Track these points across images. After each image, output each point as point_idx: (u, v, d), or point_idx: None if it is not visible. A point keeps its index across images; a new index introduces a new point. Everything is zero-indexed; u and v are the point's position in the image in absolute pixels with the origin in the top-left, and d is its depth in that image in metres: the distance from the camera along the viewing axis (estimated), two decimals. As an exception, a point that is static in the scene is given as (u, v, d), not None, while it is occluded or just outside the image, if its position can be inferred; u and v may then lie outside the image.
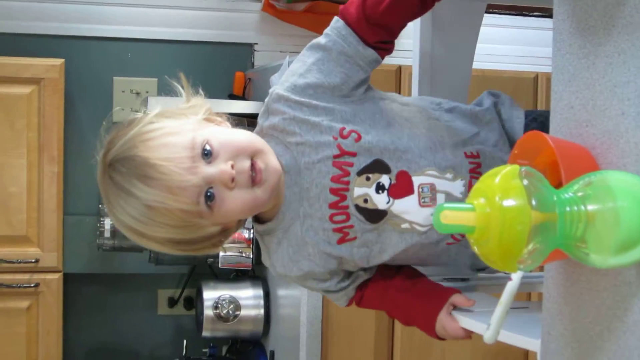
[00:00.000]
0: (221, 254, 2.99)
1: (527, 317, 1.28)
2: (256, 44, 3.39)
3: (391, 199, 1.35)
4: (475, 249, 0.80)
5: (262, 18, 3.38)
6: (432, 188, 1.36)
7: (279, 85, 1.36)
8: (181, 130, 1.25)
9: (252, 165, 1.27)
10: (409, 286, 1.46)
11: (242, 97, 3.24)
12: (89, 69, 3.26)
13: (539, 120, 1.51)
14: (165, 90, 3.24)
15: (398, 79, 2.86)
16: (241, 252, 2.99)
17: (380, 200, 1.35)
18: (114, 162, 1.25)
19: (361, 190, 1.34)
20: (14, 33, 3.18)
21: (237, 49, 3.40)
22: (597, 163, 0.90)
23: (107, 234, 3.00)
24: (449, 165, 1.38)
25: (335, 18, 1.37)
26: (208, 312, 2.98)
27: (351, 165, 1.33)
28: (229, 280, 3.17)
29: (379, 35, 1.35)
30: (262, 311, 3.00)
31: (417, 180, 1.36)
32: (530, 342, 1.17)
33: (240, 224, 1.38)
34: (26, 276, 2.92)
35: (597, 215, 0.78)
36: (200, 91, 1.36)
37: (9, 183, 2.88)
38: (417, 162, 1.36)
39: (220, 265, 3.00)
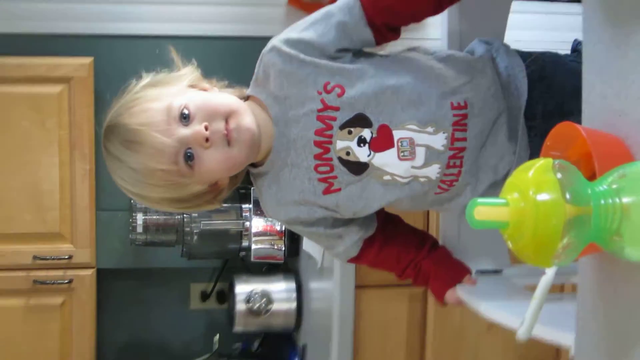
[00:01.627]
0: (253, 246, 3.00)
1: (561, 310, 1.27)
2: (283, 37, 3.39)
3: (372, 152, 1.41)
4: (509, 244, 0.80)
5: (288, 12, 3.37)
6: (411, 142, 1.41)
7: (277, 37, 1.43)
8: (161, 97, 1.36)
9: (226, 127, 1.35)
10: (431, 255, 1.58)
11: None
12: (118, 66, 3.27)
13: (538, 63, 1.53)
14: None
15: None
16: (273, 244, 2.99)
17: (362, 153, 1.41)
18: (106, 131, 1.38)
19: (343, 144, 1.40)
20: (43, 33, 3.19)
21: (264, 43, 3.36)
22: (631, 153, 0.88)
23: (139, 229, 3.01)
24: (430, 119, 1.41)
25: None
26: (240, 306, 2.98)
27: (334, 119, 1.39)
28: (261, 273, 3.17)
29: (386, 19, 1.39)
30: (294, 305, 3.00)
31: (397, 134, 1.41)
32: (564, 337, 1.16)
33: (233, 182, 1.46)
34: (60, 272, 2.93)
35: (632, 207, 0.77)
36: (193, 61, 1.46)
37: (41, 181, 2.90)
38: (399, 116, 1.40)
39: (252, 259, 3.01)
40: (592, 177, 0.88)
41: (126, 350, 3.37)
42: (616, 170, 0.80)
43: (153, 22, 3.31)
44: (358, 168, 1.42)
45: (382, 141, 1.40)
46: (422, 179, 1.43)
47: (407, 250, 1.56)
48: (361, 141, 1.40)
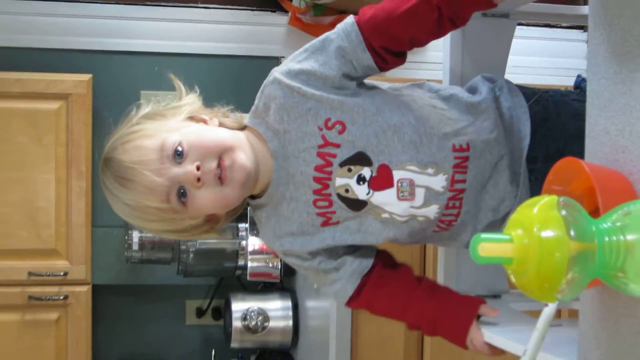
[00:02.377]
0: (249, 264, 3.00)
1: (561, 336, 1.28)
2: (283, 57, 3.39)
3: (371, 191, 1.40)
4: (513, 279, 0.80)
5: (289, 31, 3.38)
6: (411, 183, 1.40)
7: (278, 68, 1.41)
8: (156, 133, 1.34)
9: (219, 164, 1.34)
10: (434, 295, 1.47)
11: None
12: (116, 83, 3.28)
13: (541, 103, 1.52)
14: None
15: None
16: (268, 263, 3.00)
17: (361, 191, 1.40)
18: (103, 163, 1.38)
19: (343, 181, 1.40)
20: (42, 48, 3.20)
21: (265, 62, 3.39)
22: (634, 190, 0.89)
23: (135, 247, 3.01)
24: (431, 161, 1.40)
25: (350, 16, 1.40)
26: (237, 323, 2.98)
27: (334, 156, 1.38)
28: (257, 291, 3.17)
29: (383, 41, 1.38)
30: (290, 322, 3.00)
31: (397, 175, 1.40)
32: (566, 365, 1.16)
33: (231, 213, 1.45)
34: (55, 289, 2.93)
35: (636, 245, 0.78)
36: (196, 88, 1.44)
37: (38, 198, 2.90)
38: (399, 157, 1.39)
39: (248, 277, 3.01)
40: (594, 211, 0.89)
41: (122, 366, 3.37)
42: (620, 208, 0.80)
43: (153, 39, 3.32)
44: (357, 205, 1.41)
45: (382, 181, 1.39)
46: (420, 218, 1.43)
47: (401, 287, 1.49)
48: (360, 179, 1.39)
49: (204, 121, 1.40)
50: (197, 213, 1.37)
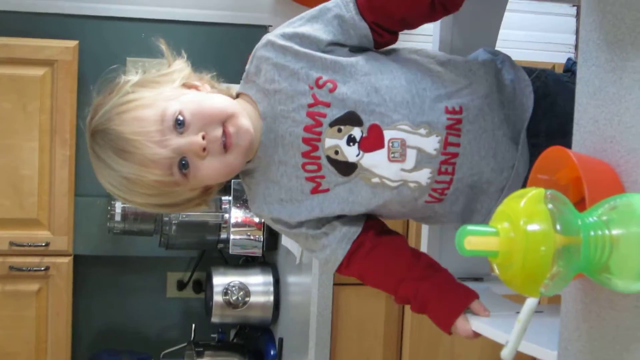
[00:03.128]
0: (231, 237, 2.98)
1: (542, 323, 1.27)
2: (270, 26, 3.37)
3: (361, 152, 1.37)
4: (497, 273, 0.79)
5: (276, 0, 3.35)
6: (403, 143, 1.37)
7: (271, 32, 1.39)
8: (154, 102, 1.31)
9: (224, 131, 1.31)
10: (433, 275, 1.44)
11: (256, 81, 3.22)
12: (103, 49, 3.24)
13: (541, 79, 1.50)
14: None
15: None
16: (249, 235, 2.98)
17: (351, 153, 1.37)
18: (94, 133, 1.32)
19: (332, 142, 1.37)
20: (28, 12, 3.16)
21: (252, 31, 3.37)
22: (620, 181, 0.88)
23: (117, 218, 2.99)
24: (423, 121, 1.37)
25: None
26: (217, 298, 2.97)
27: (324, 115, 1.36)
28: (239, 266, 3.16)
29: (376, 17, 1.37)
30: (271, 298, 3.00)
31: (388, 135, 1.37)
32: (547, 353, 1.16)
33: (221, 184, 1.42)
34: (36, 259, 2.92)
35: (621, 239, 0.77)
36: (183, 54, 1.40)
37: (21, 166, 2.88)
38: (390, 116, 1.36)
39: (230, 252, 3.00)
40: (580, 202, 0.88)
41: (102, 337, 3.36)
42: (607, 202, 0.79)
43: (140, 4, 3.29)
44: (346, 168, 1.38)
45: (372, 141, 1.37)
46: (411, 184, 1.40)
47: (398, 260, 1.45)
48: (350, 140, 1.36)
49: (196, 87, 1.37)
50: (198, 183, 1.35)
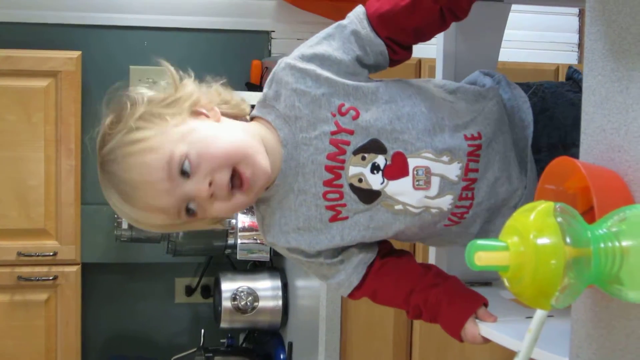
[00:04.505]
0: (239, 242, 2.99)
1: (553, 328, 1.27)
2: (273, 31, 3.37)
3: (385, 180, 1.35)
4: (508, 287, 0.79)
5: (279, 5, 3.36)
6: (427, 171, 1.36)
7: (289, 55, 1.36)
8: (160, 145, 1.25)
9: (237, 174, 1.27)
10: (443, 284, 1.44)
11: (260, 86, 3.23)
12: (106, 58, 3.25)
13: (538, 95, 1.50)
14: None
15: (418, 72, 2.84)
16: (256, 240, 2.99)
17: (375, 181, 1.35)
18: (102, 166, 1.30)
19: (356, 170, 1.34)
20: (31, 23, 3.17)
21: (254, 36, 3.38)
22: (629, 191, 0.88)
23: (124, 225, 3.00)
24: (445, 148, 1.37)
25: (359, 5, 1.37)
26: (226, 303, 2.98)
27: (348, 143, 1.33)
28: (247, 271, 3.16)
29: (389, 32, 1.36)
30: (280, 302, 3.00)
31: (412, 162, 1.36)
32: (557, 360, 1.16)
33: None
34: (44, 269, 2.93)
35: (631, 251, 0.77)
36: (190, 71, 1.35)
37: (27, 177, 2.89)
38: (414, 143, 1.35)
39: (238, 257, 3.00)
40: (588, 211, 0.88)
41: (111, 345, 3.37)
42: (616, 213, 0.79)
43: (142, 13, 3.30)
44: (369, 196, 1.36)
45: (397, 169, 1.35)
46: (433, 210, 1.39)
47: (407, 274, 1.45)
48: (374, 168, 1.34)
49: (207, 115, 1.32)
50: (207, 220, 1.33)
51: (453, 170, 1.38)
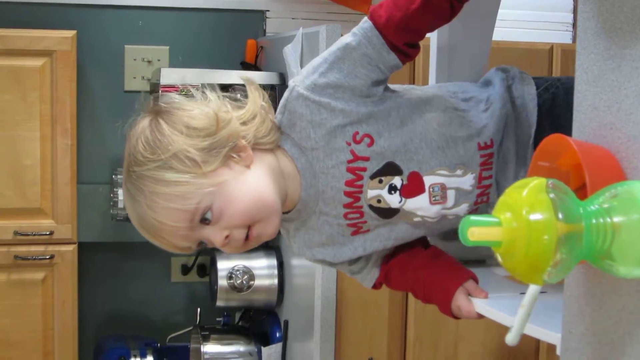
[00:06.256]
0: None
1: (546, 304, 1.28)
2: (268, 10, 3.37)
3: (403, 199, 1.41)
4: (501, 262, 0.80)
5: (273, -15, 3.35)
6: (443, 187, 1.42)
7: (300, 81, 1.37)
8: (188, 194, 1.28)
9: (248, 230, 1.31)
10: (431, 263, 1.50)
11: (255, 65, 3.22)
12: (101, 37, 3.25)
13: (550, 91, 1.53)
14: (176, 59, 3.20)
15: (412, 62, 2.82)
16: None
17: (393, 200, 1.41)
18: (129, 181, 1.32)
19: (374, 192, 1.39)
20: (26, 2, 3.16)
21: (249, 16, 3.37)
22: (621, 168, 0.89)
23: (120, 205, 2.99)
24: (459, 162, 1.42)
25: (364, 19, 1.37)
26: (222, 282, 2.99)
27: (364, 170, 1.37)
28: (243, 249, 3.17)
29: (406, 38, 1.36)
30: (276, 281, 3.01)
31: (428, 180, 1.41)
32: (551, 336, 1.17)
33: None
34: (41, 248, 2.92)
35: (623, 226, 0.78)
36: (217, 90, 1.37)
37: (23, 156, 2.88)
38: (428, 162, 1.40)
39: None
40: (581, 188, 0.89)
41: (108, 323, 3.38)
42: (608, 190, 0.80)
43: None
44: (388, 213, 1.42)
45: (413, 188, 1.40)
46: (450, 217, 1.46)
47: (412, 257, 1.51)
48: (392, 189, 1.39)
49: (240, 160, 1.33)
50: None
51: (467, 181, 1.43)
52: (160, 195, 1.28)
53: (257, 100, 1.39)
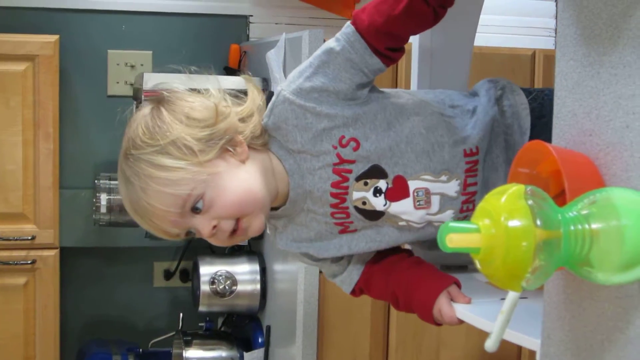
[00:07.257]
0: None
1: (527, 309, 1.28)
2: (251, 15, 3.37)
3: (388, 202, 1.42)
4: (480, 268, 0.81)
5: (256, -10, 3.35)
6: (427, 192, 1.43)
7: (286, 85, 1.38)
8: (182, 181, 1.31)
9: (236, 223, 1.34)
10: (415, 266, 1.51)
11: (238, 70, 3.22)
12: (84, 42, 3.24)
13: (537, 101, 1.54)
14: (159, 64, 3.19)
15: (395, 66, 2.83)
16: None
17: (378, 203, 1.42)
18: (125, 162, 1.35)
19: (359, 194, 1.41)
20: (8, 7, 3.15)
21: (232, 21, 3.37)
22: (600, 174, 0.89)
23: (103, 210, 2.99)
24: (444, 168, 1.43)
25: (347, 23, 1.38)
26: (205, 287, 2.98)
27: (350, 172, 1.39)
28: (225, 255, 3.16)
29: (388, 43, 1.37)
30: (258, 286, 3.01)
31: (412, 185, 1.42)
32: (530, 341, 1.18)
33: None
34: (23, 253, 2.91)
35: (601, 233, 0.79)
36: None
37: (5, 160, 2.87)
38: (413, 166, 1.41)
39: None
40: (560, 194, 0.89)
41: (90, 328, 3.37)
42: (586, 196, 0.81)
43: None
44: (374, 215, 1.43)
45: (398, 191, 1.42)
46: (436, 223, 1.46)
47: (392, 266, 1.52)
48: (377, 191, 1.41)
49: (234, 151, 1.36)
50: None
51: (452, 187, 1.44)
52: (154, 179, 1.31)
53: (256, 98, 1.42)
